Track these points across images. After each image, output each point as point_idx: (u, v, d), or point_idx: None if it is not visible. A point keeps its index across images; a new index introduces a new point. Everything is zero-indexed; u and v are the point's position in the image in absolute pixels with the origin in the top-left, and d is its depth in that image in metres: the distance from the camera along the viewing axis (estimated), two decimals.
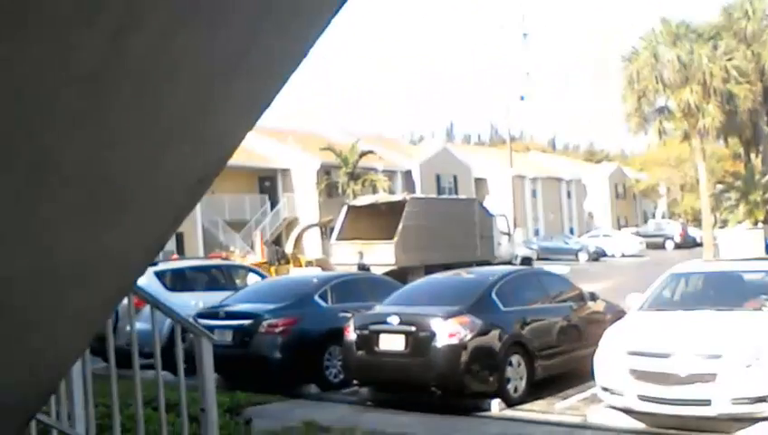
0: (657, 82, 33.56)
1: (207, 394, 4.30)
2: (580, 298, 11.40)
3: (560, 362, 10.33)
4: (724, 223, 33.94)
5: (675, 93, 33.48)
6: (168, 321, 4.69)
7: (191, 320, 4.93)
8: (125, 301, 4.30)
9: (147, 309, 4.41)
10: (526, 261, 34.32)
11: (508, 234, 33.12)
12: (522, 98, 41.69)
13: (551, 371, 10.15)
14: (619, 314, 10.83)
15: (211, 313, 11.20)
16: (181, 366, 4.42)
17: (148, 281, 12.49)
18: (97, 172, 1.81)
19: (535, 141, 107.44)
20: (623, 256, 49.57)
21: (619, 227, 64.87)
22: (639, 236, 54.51)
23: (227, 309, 11.36)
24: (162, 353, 4.41)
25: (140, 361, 4.26)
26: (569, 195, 67.32)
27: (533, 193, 62.62)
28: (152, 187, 1.97)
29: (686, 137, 35.57)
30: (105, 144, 1.76)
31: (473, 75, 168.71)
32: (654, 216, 72.76)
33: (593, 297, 11.67)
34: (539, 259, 41.74)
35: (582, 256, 47.16)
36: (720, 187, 37.90)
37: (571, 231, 63.86)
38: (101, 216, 1.95)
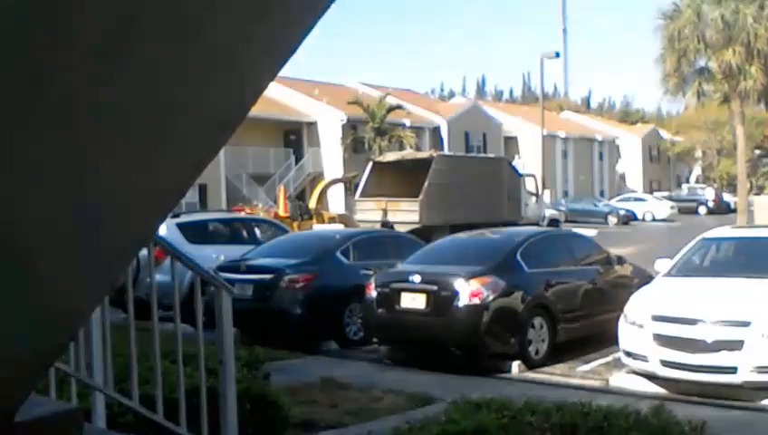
0: (699, 42, 32.85)
1: (226, 347, 4.37)
2: (607, 262, 11.38)
3: (583, 326, 10.34)
4: (760, 189, 33.54)
5: (716, 54, 32.79)
6: (189, 274, 4.75)
7: (212, 272, 5.00)
8: (146, 252, 4.37)
9: (168, 261, 4.47)
10: (554, 223, 34.14)
11: (536, 195, 32.93)
12: (557, 54, 40.98)
13: (574, 334, 10.17)
14: (646, 278, 10.82)
15: (232, 266, 11.31)
16: (200, 319, 4.49)
17: (169, 233, 12.63)
18: (123, 116, 1.84)
19: (569, 100, 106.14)
20: (654, 220, 49.26)
21: (651, 191, 64.27)
22: (672, 200, 54.03)
23: (249, 263, 11.46)
24: (182, 306, 4.48)
25: (160, 313, 4.33)
26: (601, 156, 66.69)
27: (564, 154, 62.11)
28: (172, 131, 1.99)
29: (726, 100, 34.92)
30: (133, 88, 1.78)
31: (507, 30, 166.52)
32: (688, 180, 71.95)
33: (620, 261, 11.63)
34: (567, 221, 41.54)
35: (612, 220, 46.95)
36: (758, 152, 37.36)
37: (602, 194, 63.41)
38: (129, 160, 1.97)
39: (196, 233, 13.85)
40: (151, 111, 1.88)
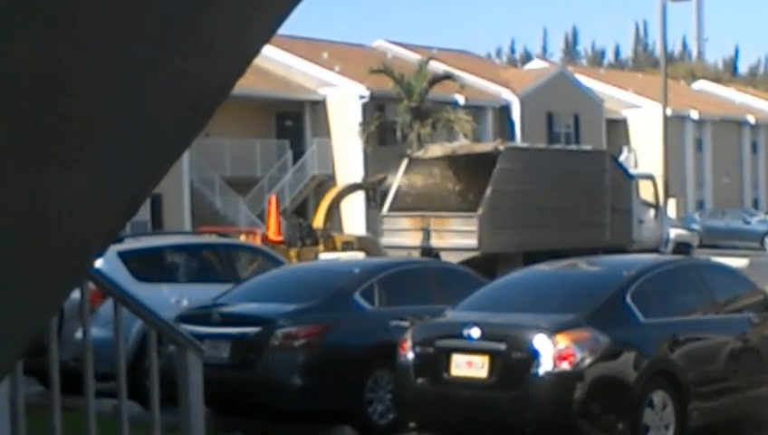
0: None
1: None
2: (765, 307, 11.32)
3: (729, 404, 10.29)
4: None
5: None
6: (137, 326, 4.82)
7: (172, 324, 5.06)
8: (75, 294, 4.43)
9: (105, 307, 4.54)
10: (682, 248, 33.96)
11: (656, 206, 32.78)
12: None
13: (714, 416, 10.12)
14: None
15: (200, 315, 11.36)
16: (156, 393, 4.54)
17: (107, 266, 12.74)
18: (52, 87, 1.89)
19: (705, 64, 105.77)
20: None
21: None
22: None
23: (224, 310, 11.52)
24: (128, 374, 4.53)
25: (96, 385, 4.38)
26: (754, 148, 66.19)
27: (699, 143, 61.77)
28: (128, 115, 2.04)
29: None
30: (66, 47, 1.83)
31: None
32: None
33: None
34: (702, 246, 41.24)
35: None
36: None
37: (756, 205, 62.86)
38: (53, 154, 2.02)
39: (147, 266, 13.93)
40: (89, 84, 1.94)
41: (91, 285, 4.51)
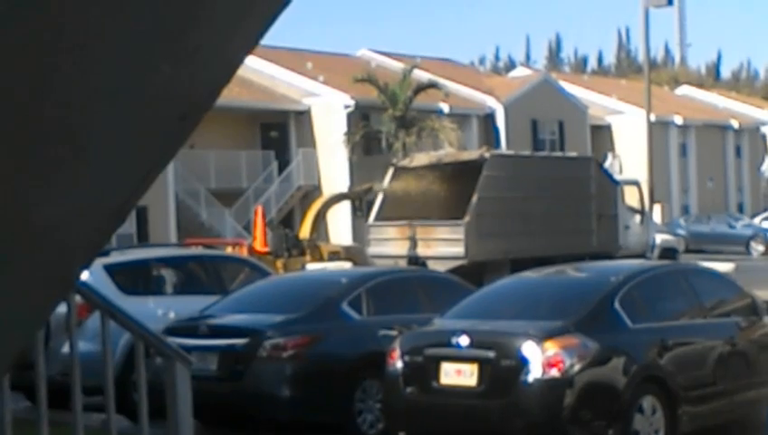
0: None
1: None
2: (752, 311, 11.35)
3: (718, 408, 10.31)
4: None
5: None
6: (124, 339, 4.80)
7: (160, 336, 5.04)
8: (61, 308, 4.40)
9: (91, 321, 4.52)
10: (668, 253, 34.01)
11: (641, 212, 32.84)
12: (670, 2, 41.01)
13: (703, 421, 10.12)
14: None
15: (187, 327, 11.35)
16: (144, 406, 4.51)
17: (94, 279, 12.70)
18: (37, 96, 1.88)
19: (687, 70, 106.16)
20: None
21: None
22: None
23: (211, 322, 11.51)
24: (115, 388, 4.50)
25: (83, 399, 4.35)
26: (738, 152, 66.44)
27: (683, 149, 61.95)
28: (115, 123, 2.03)
29: None
30: (52, 54, 1.82)
31: None
32: None
33: None
34: (688, 251, 41.35)
35: (757, 247, 46.72)
36: None
37: (741, 209, 63.07)
38: (39, 164, 2.01)
39: (134, 279, 13.92)
40: (75, 91, 1.93)
41: (78, 299, 4.49)
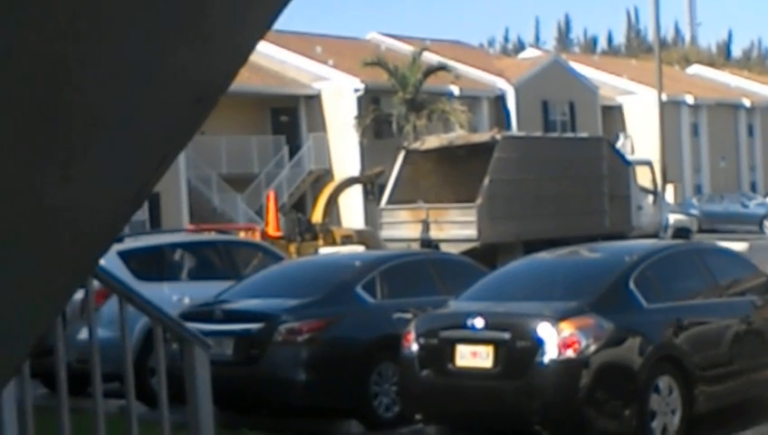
0: None
1: (203, 433, 4.40)
2: (767, 289, 11.31)
3: (734, 387, 10.30)
4: None
5: None
6: (140, 324, 4.79)
7: (178, 320, 5.04)
8: (78, 294, 4.40)
9: (107, 307, 4.51)
10: (681, 233, 33.97)
11: (654, 192, 32.79)
12: None
13: (720, 401, 10.12)
14: None
15: (202, 312, 11.35)
16: (164, 390, 4.51)
17: (108, 265, 12.72)
18: (53, 79, 1.87)
19: (698, 49, 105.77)
20: None
21: None
22: None
23: (226, 307, 11.52)
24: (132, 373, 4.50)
25: (101, 385, 4.34)
26: (750, 131, 66.21)
27: (695, 128, 61.78)
28: (131, 106, 2.02)
29: None
30: (67, 38, 1.82)
31: None
32: None
33: None
34: (702, 231, 41.29)
35: None
36: None
37: (754, 188, 62.89)
38: (55, 147, 2.00)
39: (147, 264, 13.94)
40: (92, 74, 1.92)
41: (96, 284, 4.48)
